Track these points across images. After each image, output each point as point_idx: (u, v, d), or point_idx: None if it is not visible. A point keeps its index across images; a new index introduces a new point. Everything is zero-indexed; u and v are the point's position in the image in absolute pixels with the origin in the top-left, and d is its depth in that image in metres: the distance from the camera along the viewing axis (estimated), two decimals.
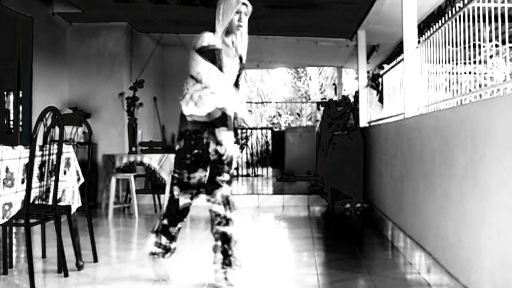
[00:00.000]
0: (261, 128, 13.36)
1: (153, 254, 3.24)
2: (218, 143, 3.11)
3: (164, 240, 3.26)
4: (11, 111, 7.27)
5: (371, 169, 5.94)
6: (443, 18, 3.44)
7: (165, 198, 6.49)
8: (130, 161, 6.10)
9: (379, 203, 5.40)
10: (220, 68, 3.16)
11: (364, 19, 6.65)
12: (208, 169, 3.14)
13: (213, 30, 3.28)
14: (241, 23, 3.19)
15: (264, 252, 4.15)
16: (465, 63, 3.39)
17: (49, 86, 6.89)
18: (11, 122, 7.31)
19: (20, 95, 6.43)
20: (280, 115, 18.53)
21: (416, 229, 3.74)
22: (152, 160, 6.12)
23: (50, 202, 3.27)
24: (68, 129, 5.82)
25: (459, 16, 3.13)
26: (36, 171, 3.13)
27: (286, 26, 7.95)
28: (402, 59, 4.53)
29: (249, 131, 12.34)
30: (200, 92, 3.10)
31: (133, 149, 6.51)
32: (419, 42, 4.20)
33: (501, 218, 2.19)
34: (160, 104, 9.47)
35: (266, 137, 12.74)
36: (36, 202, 3.20)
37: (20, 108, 6.42)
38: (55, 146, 3.28)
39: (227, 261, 3.11)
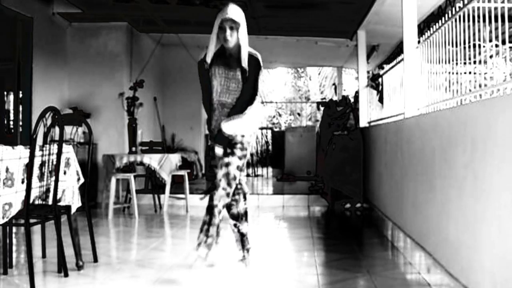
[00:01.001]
0: (261, 128, 13.36)
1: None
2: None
3: None
4: (11, 111, 7.28)
5: (371, 169, 5.94)
6: (443, 18, 3.44)
7: (165, 198, 6.50)
8: (130, 161, 6.10)
9: (379, 203, 5.41)
10: (208, 80, 3.49)
11: (364, 19, 6.65)
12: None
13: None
14: (226, 37, 3.33)
15: (264, 252, 4.15)
16: (465, 63, 3.39)
17: (49, 86, 6.89)
18: (11, 122, 7.31)
19: (20, 95, 6.43)
20: (280, 115, 18.53)
21: (416, 229, 3.74)
22: (152, 160, 6.12)
23: (50, 202, 3.27)
24: (68, 129, 5.84)
25: (459, 16, 3.13)
26: (36, 171, 3.13)
27: (286, 26, 7.95)
28: (402, 59, 4.53)
29: None
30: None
31: (133, 149, 6.51)
32: (419, 42, 4.20)
33: (501, 218, 2.19)
34: (160, 104, 9.47)
35: (266, 137, 12.74)
36: (36, 202, 3.19)
37: (20, 108, 6.42)
38: (55, 146, 3.28)
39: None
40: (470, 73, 3.57)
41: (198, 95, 11.62)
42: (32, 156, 3.00)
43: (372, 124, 6.62)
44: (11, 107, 7.84)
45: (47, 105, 3.48)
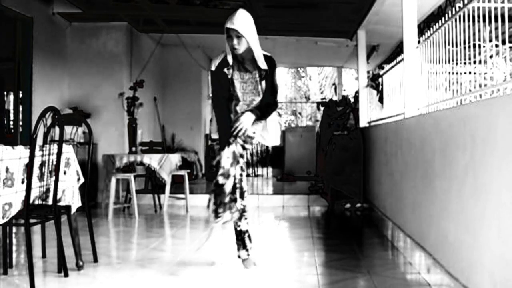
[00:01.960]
0: None
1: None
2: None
3: None
4: (11, 111, 7.27)
5: (371, 169, 5.94)
6: (443, 18, 3.44)
7: (165, 198, 6.50)
8: (130, 161, 6.10)
9: (379, 203, 5.41)
10: (226, 87, 3.51)
11: (364, 19, 6.65)
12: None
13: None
14: (234, 46, 3.38)
15: (264, 252, 4.15)
16: (465, 63, 3.39)
17: (49, 86, 6.89)
18: (11, 122, 7.30)
19: (20, 95, 6.43)
20: (280, 115, 18.53)
21: (416, 229, 3.74)
22: (152, 160, 6.12)
23: (50, 202, 3.27)
24: (68, 129, 5.85)
25: (459, 16, 3.13)
26: (36, 171, 3.13)
27: (286, 26, 7.95)
28: (402, 59, 4.53)
29: None
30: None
31: (133, 149, 6.51)
32: (419, 42, 4.20)
33: (501, 218, 2.19)
34: (160, 104, 9.47)
35: None
36: (36, 202, 3.19)
37: (20, 108, 6.42)
38: (55, 146, 3.28)
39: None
40: (470, 73, 3.57)
41: (198, 95, 11.66)
42: (32, 156, 3.00)
43: (372, 124, 6.62)
44: (11, 107, 7.83)
45: (47, 105, 3.48)
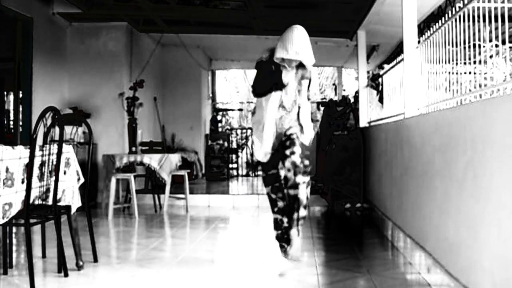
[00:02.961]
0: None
1: None
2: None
3: None
4: (11, 111, 7.27)
5: (371, 169, 5.94)
6: (443, 18, 3.44)
7: (165, 198, 6.50)
8: (130, 161, 6.10)
9: (379, 203, 5.40)
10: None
11: (364, 19, 6.65)
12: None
13: None
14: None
15: (264, 252, 4.15)
16: (465, 63, 3.39)
17: (49, 86, 6.89)
18: (11, 122, 7.30)
19: (20, 95, 6.43)
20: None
21: (416, 229, 3.74)
22: (152, 160, 6.12)
23: (50, 202, 3.27)
24: (68, 129, 5.84)
25: (459, 16, 3.13)
26: (36, 171, 3.13)
27: (286, 26, 7.94)
28: (402, 59, 4.52)
29: (249, 131, 12.33)
30: None
31: (133, 149, 6.51)
32: (419, 42, 4.20)
33: (501, 218, 2.19)
34: (160, 104, 9.47)
35: None
36: (36, 202, 3.19)
37: (20, 108, 6.42)
38: (55, 146, 3.28)
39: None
40: (470, 73, 3.57)
41: (198, 95, 11.64)
42: (32, 156, 3.00)
43: (372, 124, 6.62)
44: (11, 107, 7.83)
45: (47, 105, 3.48)
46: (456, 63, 3.30)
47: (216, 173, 9.94)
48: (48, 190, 3.27)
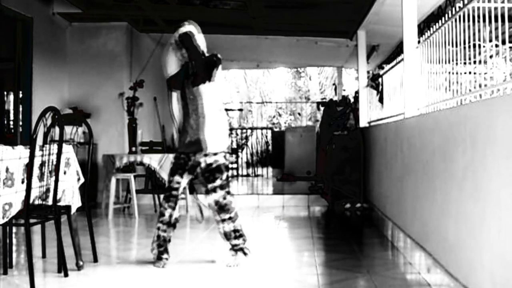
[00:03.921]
0: (261, 128, 13.36)
1: None
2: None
3: None
4: (11, 111, 7.27)
5: (371, 169, 5.94)
6: (443, 18, 3.44)
7: None
8: (130, 161, 6.10)
9: (379, 203, 5.40)
10: None
11: (364, 19, 6.65)
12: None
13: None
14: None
15: (264, 252, 4.15)
16: (465, 63, 3.39)
17: (49, 86, 6.89)
18: (11, 122, 7.30)
19: (20, 95, 6.43)
20: (280, 115, 18.54)
21: (416, 229, 3.74)
22: (152, 160, 6.12)
23: (50, 202, 3.27)
24: (68, 129, 5.84)
25: (459, 16, 3.13)
26: (36, 171, 3.13)
27: (286, 26, 7.95)
28: (402, 59, 4.52)
29: (249, 131, 12.34)
30: None
31: (133, 149, 6.51)
32: (419, 42, 4.20)
33: (501, 218, 2.19)
34: (160, 104, 9.46)
35: (266, 137, 12.74)
36: (36, 202, 3.19)
37: (20, 108, 6.42)
38: (55, 146, 3.28)
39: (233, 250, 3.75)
40: (470, 73, 3.58)
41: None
42: (32, 156, 3.00)
43: (372, 124, 6.62)
44: (11, 107, 7.83)
45: (47, 105, 3.48)
46: (456, 63, 3.30)
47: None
48: (48, 190, 3.27)
